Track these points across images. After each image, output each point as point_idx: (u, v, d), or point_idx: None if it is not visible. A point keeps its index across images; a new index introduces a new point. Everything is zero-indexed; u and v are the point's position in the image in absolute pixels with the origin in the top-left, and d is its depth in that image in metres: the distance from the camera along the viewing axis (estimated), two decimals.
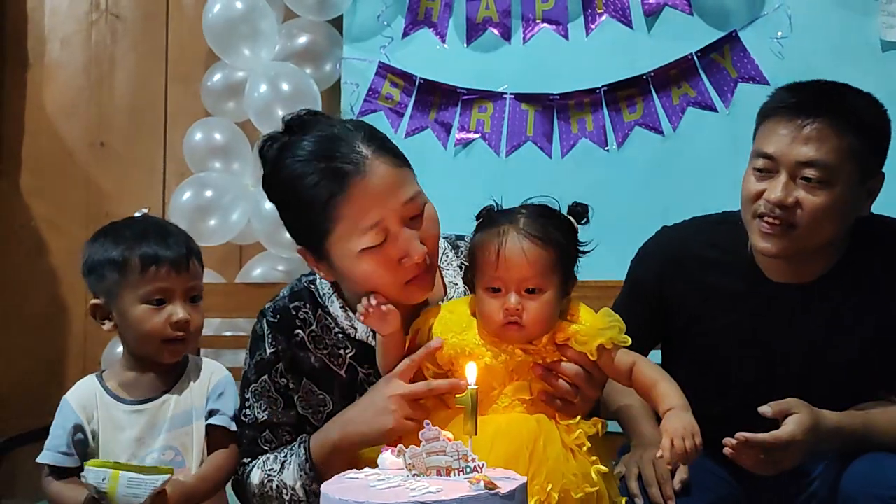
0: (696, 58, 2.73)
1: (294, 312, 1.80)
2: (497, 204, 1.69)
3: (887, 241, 1.87)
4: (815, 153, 1.74)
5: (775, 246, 1.78)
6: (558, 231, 1.62)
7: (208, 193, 2.91)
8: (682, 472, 1.76)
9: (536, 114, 2.87)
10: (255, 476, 1.77)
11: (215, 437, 1.82)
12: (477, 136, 2.92)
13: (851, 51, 2.59)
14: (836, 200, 1.75)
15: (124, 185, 3.30)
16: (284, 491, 1.74)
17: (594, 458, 1.57)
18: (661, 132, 2.77)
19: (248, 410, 1.81)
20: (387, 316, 1.62)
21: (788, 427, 1.67)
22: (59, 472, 1.80)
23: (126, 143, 3.33)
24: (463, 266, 1.83)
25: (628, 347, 1.65)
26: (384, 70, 2.99)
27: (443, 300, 1.77)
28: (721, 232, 1.93)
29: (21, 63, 3.39)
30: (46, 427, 1.84)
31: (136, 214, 1.94)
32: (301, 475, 1.72)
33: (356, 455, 1.66)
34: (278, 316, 1.80)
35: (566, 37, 2.86)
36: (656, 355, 2.02)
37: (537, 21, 2.88)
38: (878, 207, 1.87)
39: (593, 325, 1.63)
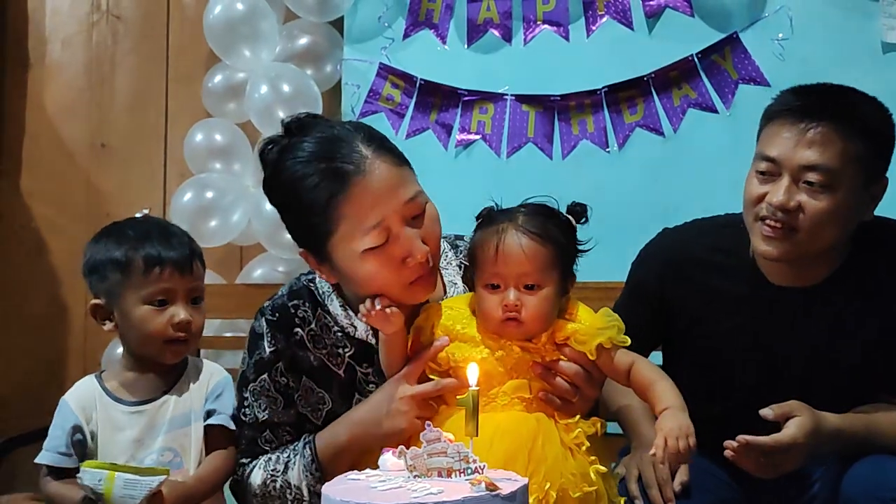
0: (696, 59, 2.73)
1: (293, 311, 1.80)
2: (497, 204, 1.70)
3: (891, 244, 1.87)
4: (818, 157, 1.74)
5: (777, 249, 1.78)
6: (557, 228, 1.64)
7: (209, 194, 2.91)
8: (682, 474, 1.76)
9: (537, 115, 2.87)
10: (257, 476, 1.77)
11: (213, 436, 1.82)
12: (478, 137, 2.92)
13: (852, 53, 2.58)
14: (838, 205, 1.75)
15: (125, 185, 3.30)
16: (288, 491, 1.74)
17: (593, 457, 1.58)
18: (661, 133, 2.77)
19: (247, 410, 1.80)
20: (390, 317, 1.62)
21: (790, 430, 1.67)
22: (58, 473, 1.80)
23: (127, 143, 3.32)
24: (462, 265, 1.84)
25: (628, 348, 1.65)
26: (385, 71, 2.99)
27: (442, 299, 1.77)
28: (723, 235, 1.93)
29: (22, 64, 3.39)
30: (46, 427, 1.84)
31: (137, 215, 1.95)
32: (307, 476, 1.72)
33: (363, 455, 1.66)
34: (277, 314, 1.80)
35: (567, 38, 2.86)
36: (657, 357, 2.02)
37: (538, 22, 2.88)
38: (881, 210, 1.86)
39: (592, 325, 1.64)
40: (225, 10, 2.91)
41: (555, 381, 1.63)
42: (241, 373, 1.83)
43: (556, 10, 2.86)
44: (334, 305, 1.79)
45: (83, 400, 1.83)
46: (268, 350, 1.79)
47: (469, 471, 1.31)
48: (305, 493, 1.73)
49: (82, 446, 1.80)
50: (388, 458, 1.39)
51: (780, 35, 2.65)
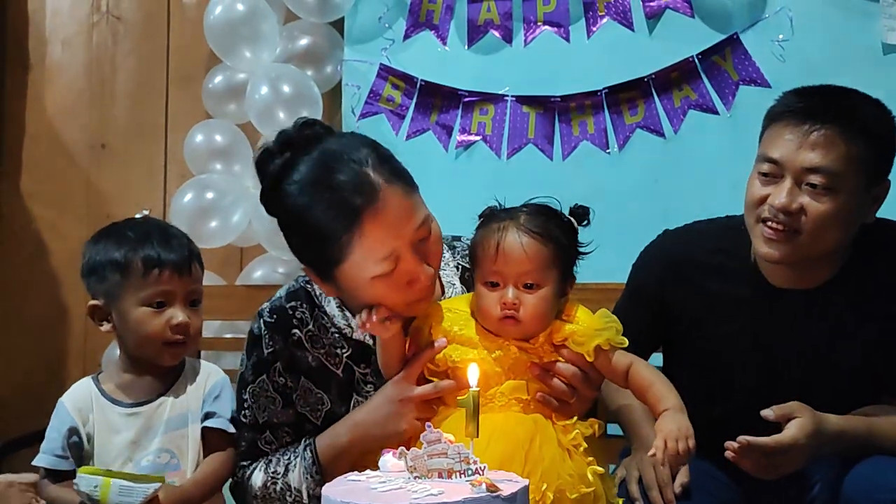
0: (697, 60, 2.73)
1: (291, 312, 1.80)
2: (500, 204, 1.70)
3: (892, 246, 1.86)
4: (821, 160, 1.73)
5: (778, 252, 1.77)
6: (559, 229, 1.64)
7: (209, 195, 2.91)
8: (682, 476, 1.75)
9: (537, 116, 2.87)
10: (258, 478, 1.77)
11: (212, 439, 1.82)
12: (478, 138, 2.92)
13: (853, 54, 2.58)
14: (840, 208, 1.74)
15: (125, 186, 3.30)
16: (289, 493, 1.74)
17: (590, 458, 1.58)
18: (662, 135, 2.77)
19: (246, 412, 1.80)
20: (387, 326, 1.63)
21: (791, 431, 1.67)
22: (55, 475, 1.80)
23: (127, 144, 3.33)
24: (459, 266, 1.84)
25: (629, 350, 1.65)
26: (385, 72, 2.99)
27: (440, 300, 1.77)
28: (724, 236, 1.92)
29: (22, 65, 3.39)
30: (46, 429, 1.84)
31: (137, 216, 1.94)
32: (307, 478, 1.73)
33: (364, 457, 1.67)
34: (275, 316, 1.80)
35: (567, 39, 2.86)
36: (657, 359, 2.02)
37: (538, 23, 2.88)
38: (882, 212, 1.86)
39: (590, 326, 1.64)
40: (225, 11, 2.92)
41: (552, 382, 1.63)
42: (239, 375, 1.83)
43: (557, 11, 2.86)
44: (331, 306, 1.79)
45: (80, 402, 1.82)
46: (266, 351, 1.79)
47: (469, 472, 1.31)
48: (305, 495, 1.73)
49: (79, 448, 1.80)
50: (388, 459, 1.39)
51: (781, 36, 2.65)
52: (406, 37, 2.98)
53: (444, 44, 2.95)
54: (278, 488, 1.75)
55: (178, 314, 1.80)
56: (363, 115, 3.00)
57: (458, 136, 2.93)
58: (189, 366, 1.88)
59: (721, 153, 2.68)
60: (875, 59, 2.58)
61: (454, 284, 1.83)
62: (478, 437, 1.37)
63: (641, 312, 1.95)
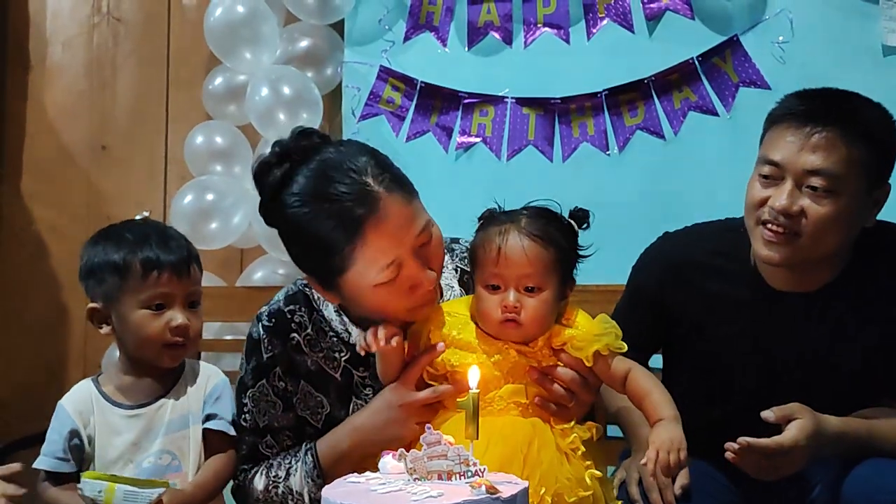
0: (697, 62, 2.74)
1: (290, 316, 1.80)
2: (499, 206, 1.70)
3: (892, 248, 1.86)
4: (822, 162, 1.73)
5: (778, 254, 1.77)
6: (559, 232, 1.64)
7: (209, 197, 2.91)
8: (682, 478, 1.75)
9: (537, 118, 2.87)
10: (259, 482, 1.77)
11: (213, 441, 1.82)
12: (478, 140, 2.92)
13: (853, 55, 2.58)
14: (841, 210, 1.74)
15: (125, 188, 3.30)
16: (290, 497, 1.75)
17: (589, 462, 1.58)
18: (662, 136, 2.77)
19: (246, 416, 1.80)
20: (393, 342, 1.63)
21: (791, 432, 1.67)
22: (56, 478, 1.80)
23: (127, 146, 3.33)
24: (458, 269, 1.84)
25: (629, 352, 1.65)
26: (385, 74, 2.99)
27: (438, 302, 1.77)
28: (723, 239, 1.92)
29: (23, 66, 3.39)
30: (46, 431, 1.83)
31: (137, 217, 1.94)
32: (308, 482, 1.73)
33: (365, 460, 1.66)
34: (274, 320, 1.80)
35: (567, 41, 2.86)
36: (657, 361, 2.02)
37: (539, 25, 2.88)
38: (882, 216, 1.86)
39: (590, 331, 1.64)
40: (226, 13, 2.92)
41: (551, 386, 1.63)
42: (239, 379, 1.83)
43: (557, 12, 2.87)
44: (329, 310, 1.79)
45: (80, 404, 1.82)
46: (265, 356, 1.79)
47: (469, 474, 1.31)
48: (307, 499, 1.73)
49: (80, 451, 1.80)
50: (388, 460, 1.39)
51: (781, 38, 2.65)
52: (406, 38, 2.98)
53: (445, 45, 2.96)
54: (280, 492, 1.75)
55: (177, 316, 1.79)
56: (363, 117, 3.00)
57: (458, 138, 2.93)
58: (189, 367, 1.88)
59: (721, 155, 2.68)
60: (875, 60, 2.58)
61: (452, 287, 1.83)
62: (477, 438, 1.37)
63: (641, 314, 1.95)
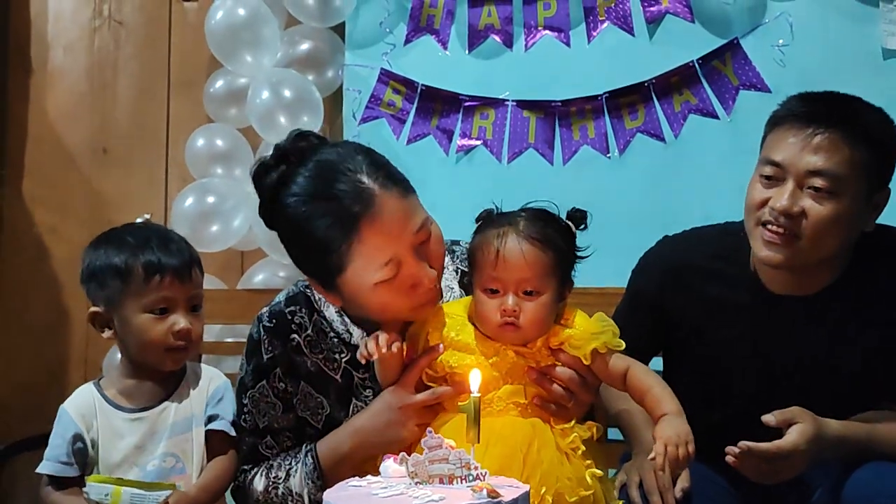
0: (697, 65, 2.74)
1: (290, 317, 1.80)
2: (497, 207, 1.70)
3: (891, 252, 1.86)
4: (824, 163, 1.74)
5: (778, 256, 1.77)
6: (557, 234, 1.64)
7: (210, 199, 2.91)
8: (683, 480, 1.75)
9: (538, 121, 2.87)
10: (259, 483, 1.78)
11: (215, 442, 1.82)
12: (478, 142, 2.92)
13: (853, 59, 2.59)
14: (842, 212, 1.74)
15: (126, 191, 3.30)
16: (290, 498, 1.75)
17: (589, 461, 1.58)
18: (662, 139, 2.77)
19: (247, 416, 1.81)
20: (394, 348, 1.63)
21: (791, 436, 1.67)
22: (59, 482, 1.80)
23: (128, 149, 3.33)
24: (458, 270, 1.84)
25: (628, 355, 1.65)
26: (386, 77, 3.00)
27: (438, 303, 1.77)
28: (723, 242, 1.92)
29: (24, 69, 3.39)
30: (47, 434, 1.83)
31: (138, 220, 1.94)
32: (308, 484, 1.73)
33: (365, 462, 1.67)
34: (274, 321, 1.80)
35: (568, 44, 2.86)
36: (657, 363, 2.02)
37: (539, 28, 2.88)
38: (882, 220, 1.86)
39: (587, 330, 1.64)
40: (226, 16, 2.92)
41: (550, 386, 1.63)
42: (239, 379, 1.84)
43: (557, 15, 2.87)
44: (330, 311, 1.80)
45: (83, 408, 1.82)
46: (265, 356, 1.79)
47: (470, 477, 1.31)
48: (307, 500, 1.74)
49: (83, 455, 1.80)
50: (389, 464, 1.39)
51: (781, 41, 2.66)
52: (407, 41, 2.99)
53: (445, 48, 2.96)
54: (280, 493, 1.75)
55: (180, 320, 1.80)
56: (364, 120, 3.00)
57: (458, 141, 2.93)
58: (190, 370, 1.88)
59: (721, 158, 2.68)
60: (875, 63, 2.58)
61: (453, 289, 1.83)
62: (479, 442, 1.38)
63: (641, 318, 1.95)
